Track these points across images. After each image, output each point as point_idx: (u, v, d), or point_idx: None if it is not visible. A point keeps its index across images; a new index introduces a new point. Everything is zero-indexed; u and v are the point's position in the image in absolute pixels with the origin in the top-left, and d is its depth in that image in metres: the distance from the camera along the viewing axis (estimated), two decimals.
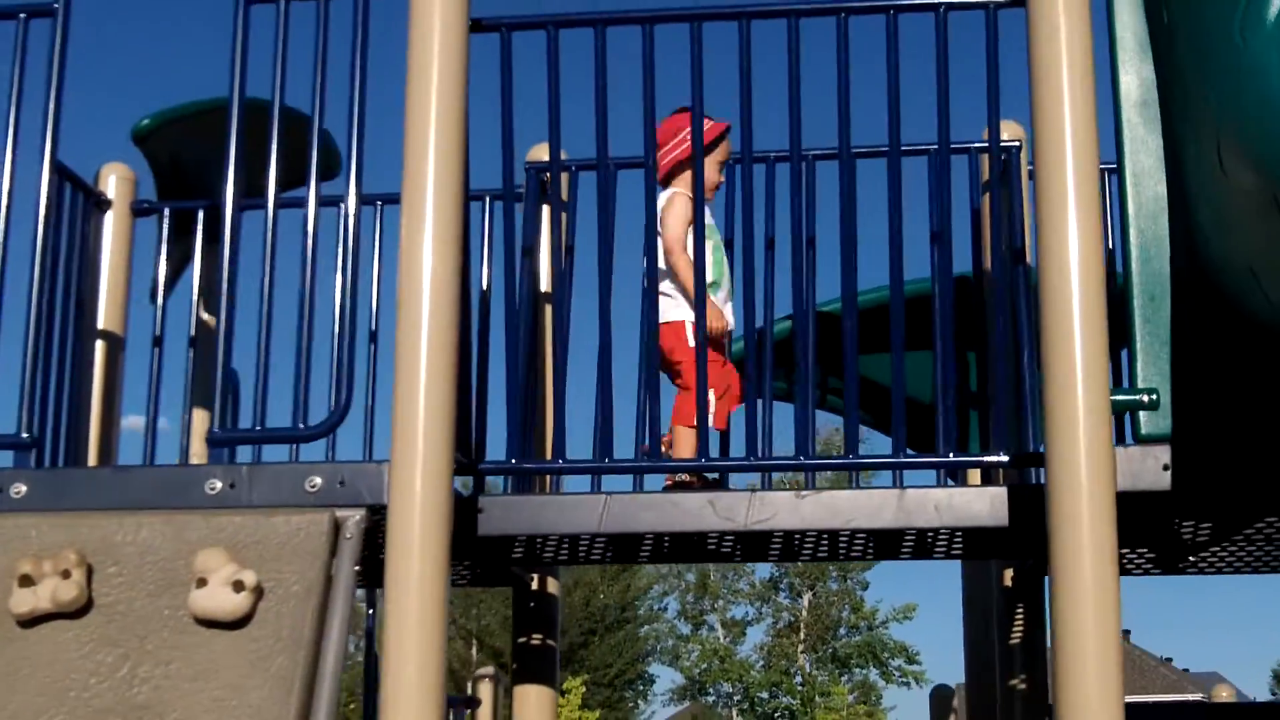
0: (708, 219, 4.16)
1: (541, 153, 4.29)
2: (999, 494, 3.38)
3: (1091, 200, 3.04)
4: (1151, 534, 3.77)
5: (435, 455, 3.10)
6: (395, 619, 3.02)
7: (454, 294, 3.21)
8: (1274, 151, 2.58)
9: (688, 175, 4.13)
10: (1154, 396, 3.04)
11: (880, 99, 3.49)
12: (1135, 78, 3.22)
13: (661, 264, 4.08)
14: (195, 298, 4.59)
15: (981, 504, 3.38)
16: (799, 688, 42.72)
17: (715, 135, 4.22)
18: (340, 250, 3.42)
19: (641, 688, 45.17)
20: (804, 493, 3.44)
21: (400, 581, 3.03)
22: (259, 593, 3.10)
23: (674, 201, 4.20)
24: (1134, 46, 3.23)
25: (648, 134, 3.58)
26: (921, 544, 3.75)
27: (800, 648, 43.85)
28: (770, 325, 4.06)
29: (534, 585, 4.36)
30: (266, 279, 3.46)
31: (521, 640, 4.33)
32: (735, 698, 43.90)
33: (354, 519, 3.19)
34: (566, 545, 3.85)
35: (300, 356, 3.37)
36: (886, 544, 3.78)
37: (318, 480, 3.25)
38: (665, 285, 4.16)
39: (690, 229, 3.99)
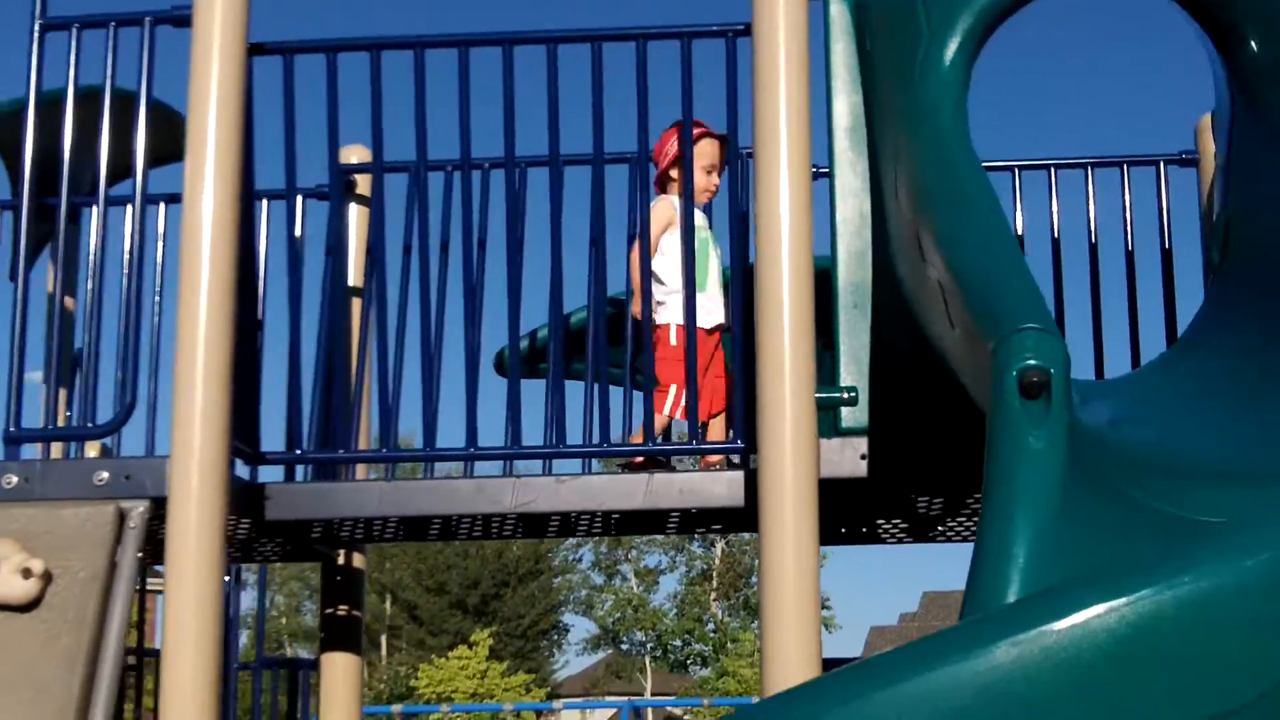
0: (700, 220, 4.33)
1: (349, 155, 4.55)
2: (735, 478, 3.73)
3: (803, 212, 3.38)
4: (897, 508, 4.16)
5: (211, 448, 3.40)
6: (173, 602, 3.31)
7: (229, 293, 3.47)
8: (925, 189, 2.92)
9: (674, 184, 4.32)
10: (853, 394, 3.40)
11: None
12: (846, 103, 3.55)
13: (656, 268, 4.17)
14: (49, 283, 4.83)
15: (719, 487, 3.73)
16: (711, 635, 43.50)
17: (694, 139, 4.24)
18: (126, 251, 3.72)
19: (556, 638, 45.80)
20: (563, 477, 3.78)
21: (178, 567, 3.33)
22: (48, 579, 3.38)
23: (655, 207, 4.27)
24: (846, 75, 3.56)
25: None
26: (686, 520, 4.10)
27: (713, 595, 44.61)
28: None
29: (340, 561, 4.67)
30: (59, 279, 3.74)
31: (329, 611, 4.64)
32: (649, 645, 44.63)
33: (138, 510, 3.49)
34: (361, 527, 4.16)
35: (86, 356, 3.65)
36: (654, 521, 4.13)
37: (105, 475, 3.53)
38: (657, 291, 4.17)
39: (666, 232, 4.22)
